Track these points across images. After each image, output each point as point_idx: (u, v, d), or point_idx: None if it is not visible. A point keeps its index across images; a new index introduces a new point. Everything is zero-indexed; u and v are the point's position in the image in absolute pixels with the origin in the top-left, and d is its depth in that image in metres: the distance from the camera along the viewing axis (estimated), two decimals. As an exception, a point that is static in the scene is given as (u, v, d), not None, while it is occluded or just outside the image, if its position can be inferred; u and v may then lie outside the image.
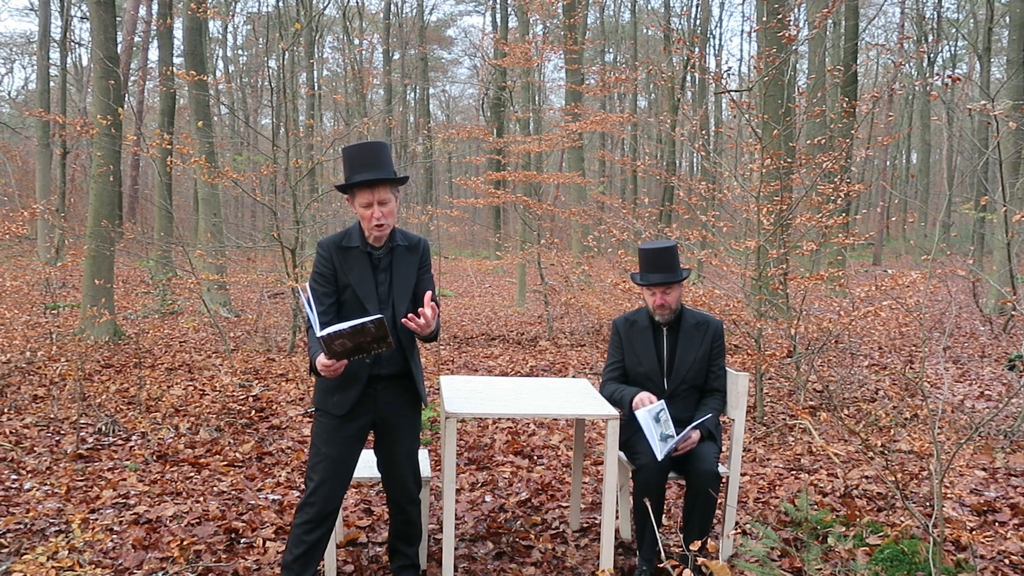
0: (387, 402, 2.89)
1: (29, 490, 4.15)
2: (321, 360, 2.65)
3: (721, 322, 3.46)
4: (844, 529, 3.36)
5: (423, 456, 3.31)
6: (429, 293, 2.78)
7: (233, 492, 4.20)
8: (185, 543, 3.43)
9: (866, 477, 4.39)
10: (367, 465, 3.37)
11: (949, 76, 4.76)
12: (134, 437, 5.22)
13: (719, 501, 3.41)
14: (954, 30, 28.47)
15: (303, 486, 4.30)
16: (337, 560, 3.24)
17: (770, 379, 6.75)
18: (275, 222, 8.36)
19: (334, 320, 2.80)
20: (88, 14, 12.50)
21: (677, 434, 3.13)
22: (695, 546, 3.01)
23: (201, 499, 4.07)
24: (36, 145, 19.43)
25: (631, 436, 3.31)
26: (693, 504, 3.12)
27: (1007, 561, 3.21)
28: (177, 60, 19.00)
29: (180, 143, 9.75)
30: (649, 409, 3.12)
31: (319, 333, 2.55)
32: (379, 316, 2.53)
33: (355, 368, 2.77)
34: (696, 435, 3.20)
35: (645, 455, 3.12)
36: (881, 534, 3.30)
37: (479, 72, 33.70)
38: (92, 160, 9.48)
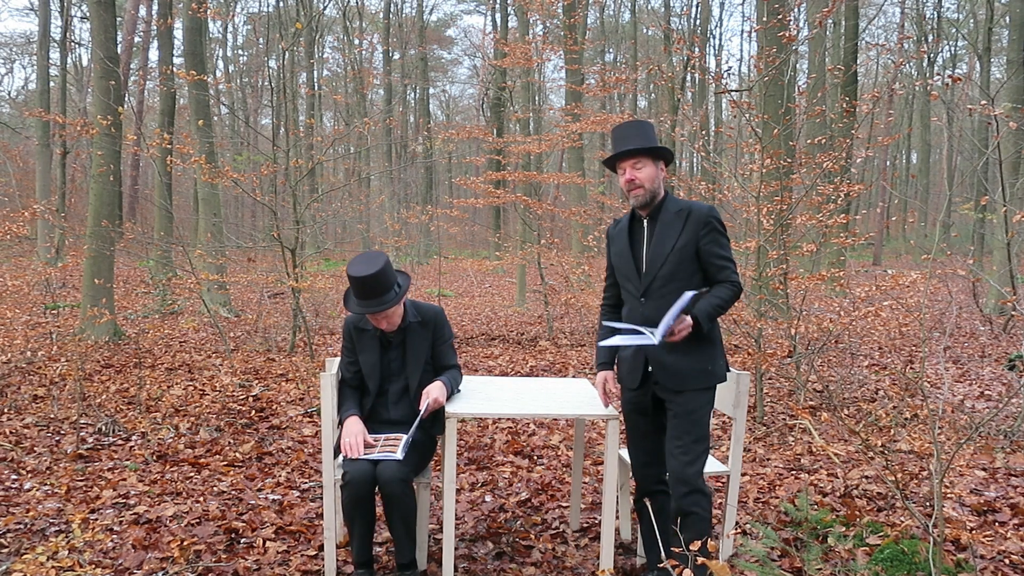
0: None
1: (29, 490, 4.15)
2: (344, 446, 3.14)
3: (712, 207, 2.89)
4: (844, 529, 3.36)
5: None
6: (427, 400, 3.13)
7: (233, 492, 4.20)
8: (185, 543, 3.43)
9: (866, 477, 4.39)
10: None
11: (949, 76, 4.76)
12: (134, 437, 5.22)
13: (718, 503, 3.40)
14: (954, 30, 28.48)
15: (303, 485, 4.32)
16: (337, 560, 3.24)
17: (770, 379, 6.75)
18: (275, 222, 8.36)
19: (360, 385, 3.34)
20: (88, 14, 12.49)
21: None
22: (695, 546, 3.00)
23: (201, 499, 4.07)
24: (36, 145, 19.45)
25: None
26: (676, 515, 2.86)
27: (1007, 561, 3.21)
28: (177, 60, 18.99)
29: (180, 143, 9.76)
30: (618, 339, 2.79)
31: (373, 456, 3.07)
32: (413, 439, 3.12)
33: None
34: (688, 319, 2.73)
35: (636, 462, 3.05)
36: (881, 534, 3.30)
37: (479, 72, 33.70)
38: (92, 160, 9.48)
